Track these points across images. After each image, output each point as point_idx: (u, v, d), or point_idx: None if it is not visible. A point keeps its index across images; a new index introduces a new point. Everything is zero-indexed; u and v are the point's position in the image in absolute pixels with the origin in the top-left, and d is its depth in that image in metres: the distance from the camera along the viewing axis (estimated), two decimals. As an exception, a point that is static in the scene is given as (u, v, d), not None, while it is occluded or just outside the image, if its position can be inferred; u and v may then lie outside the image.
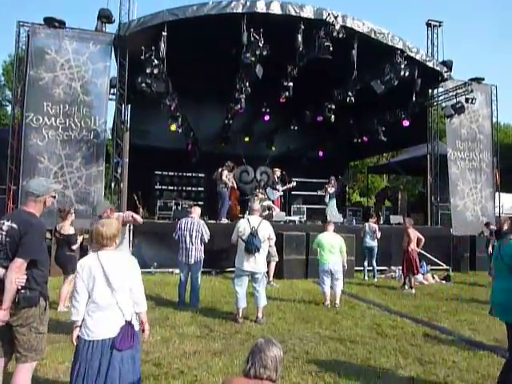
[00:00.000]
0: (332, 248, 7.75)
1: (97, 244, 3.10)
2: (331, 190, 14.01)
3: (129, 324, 2.97)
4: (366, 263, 10.92)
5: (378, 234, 10.84)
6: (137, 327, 3.08)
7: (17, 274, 3.00)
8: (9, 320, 3.05)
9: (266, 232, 6.43)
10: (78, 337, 2.97)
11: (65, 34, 10.70)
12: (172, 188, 17.12)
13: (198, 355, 4.86)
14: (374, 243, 10.86)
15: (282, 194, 14.20)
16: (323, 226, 8.51)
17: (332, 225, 8.26)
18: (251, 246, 6.16)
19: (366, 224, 11.20)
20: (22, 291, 3.05)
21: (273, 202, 13.37)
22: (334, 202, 14.10)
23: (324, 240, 7.84)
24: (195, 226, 7.33)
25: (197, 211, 7.63)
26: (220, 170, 12.32)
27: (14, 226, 3.10)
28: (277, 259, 9.66)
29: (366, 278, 10.78)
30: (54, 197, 3.43)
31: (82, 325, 2.97)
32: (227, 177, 12.22)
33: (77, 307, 2.98)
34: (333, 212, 13.79)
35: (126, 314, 2.98)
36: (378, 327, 6.31)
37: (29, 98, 10.43)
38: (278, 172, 14.13)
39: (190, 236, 7.26)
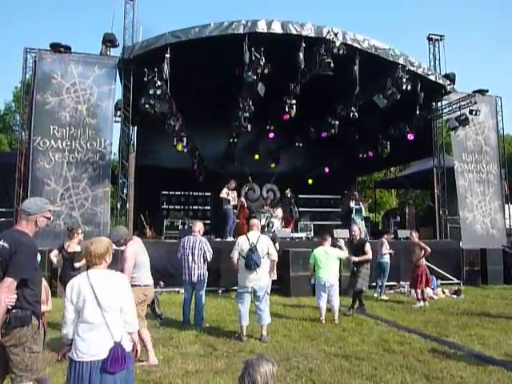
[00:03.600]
0: (327, 262, 7.61)
1: (88, 262, 3.05)
2: (356, 205, 14.12)
3: (118, 345, 2.86)
4: (378, 280, 10.67)
5: (384, 250, 10.55)
6: (128, 348, 2.97)
7: (6, 294, 2.96)
8: (1, 340, 3.02)
9: (265, 247, 6.34)
10: (69, 357, 2.90)
11: (70, 59, 10.99)
12: (179, 207, 17.17)
13: (200, 374, 4.79)
14: (382, 259, 10.59)
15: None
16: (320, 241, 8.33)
17: (328, 239, 8.01)
18: (250, 262, 6.13)
19: (380, 240, 11.02)
20: (14, 311, 3.01)
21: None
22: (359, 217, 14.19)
23: (318, 255, 7.72)
24: (198, 244, 7.26)
25: (198, 227, 7.49)
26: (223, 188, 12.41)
27: (5, 245, 3.06)
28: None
29: (375, 294, 10.56)
30: (49, 218, 3.35)
31: (72, 345, 2.91)
32: (228, 194, 12.24)
33: (67, 324, 2.94)
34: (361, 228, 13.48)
35: (115, 335, 2.89)
36: (385, 343, 6.17)
37: (36, 121, 10.66)
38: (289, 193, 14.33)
39: (193, 254, 7.19)
